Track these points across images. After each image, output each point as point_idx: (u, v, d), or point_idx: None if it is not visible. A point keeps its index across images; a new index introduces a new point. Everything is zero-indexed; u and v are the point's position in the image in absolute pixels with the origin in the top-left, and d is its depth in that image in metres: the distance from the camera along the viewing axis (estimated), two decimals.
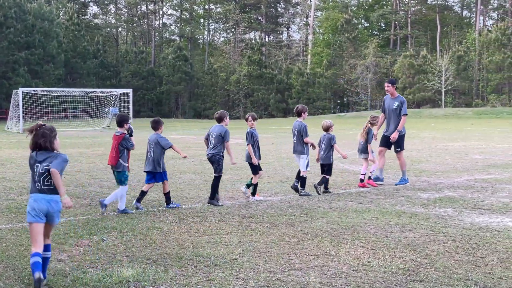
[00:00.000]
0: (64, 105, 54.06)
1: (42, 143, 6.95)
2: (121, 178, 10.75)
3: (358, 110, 79.68)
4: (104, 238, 8.58)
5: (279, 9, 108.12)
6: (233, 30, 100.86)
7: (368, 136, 14.26)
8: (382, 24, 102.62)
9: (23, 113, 43.59)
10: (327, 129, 13.43)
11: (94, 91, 54.75)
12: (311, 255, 7.64)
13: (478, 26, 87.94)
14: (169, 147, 11.28)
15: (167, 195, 11.30)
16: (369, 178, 14.28)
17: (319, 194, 12.82)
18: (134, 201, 11.18)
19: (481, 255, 7.63)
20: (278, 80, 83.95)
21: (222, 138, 11.79)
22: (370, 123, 14.39)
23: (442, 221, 9.78)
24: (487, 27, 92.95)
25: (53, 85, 66.84)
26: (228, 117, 12.31)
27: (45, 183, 6.71)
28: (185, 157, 11.77)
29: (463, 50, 78.88)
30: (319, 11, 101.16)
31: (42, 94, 51.23)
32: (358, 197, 12.34)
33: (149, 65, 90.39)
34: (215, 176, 11.78)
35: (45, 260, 6.64)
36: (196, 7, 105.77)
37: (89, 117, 53.44)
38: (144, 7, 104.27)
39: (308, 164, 13.07)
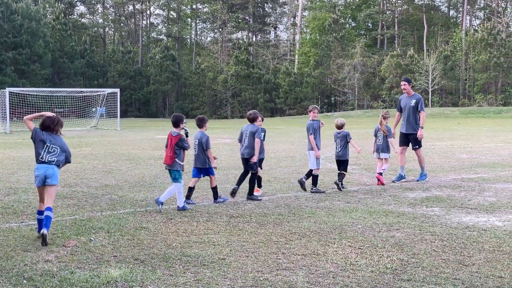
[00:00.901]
0: (51, 105, 53.76)
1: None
2: (175, 175, 11.11)
3: (346, 110, 79.90)
4: (91, 238, 8.55)
5: (267, 9, 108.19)
6: (220, 29, 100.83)
7: (387, 130, 14.62)
8: (369, 24, 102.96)
9: (9, 113, 43.35)
10: (340, 127, 13.83)
11: (81, 91, 54.60)
12: (298, 255, 7.65)
13: (464, 26, 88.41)
14: (207, 149, 11.68)
15: (214, 190, 11.78)
16: (380, 174, 14.46)
17: (341, 190, 13.21)
18: (184, 199, 11.35)
19: (468, 254, 7.67)
20: (266, 79, 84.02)
21: (253, 136, 12.24)
22: (384, 118, 14.69)
23: (429, 220, 9.81)
24: (473, 27, 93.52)
25: (40, 85, 66.60)
26: (259, 117, 12.75)
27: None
28: (215, 167, 11.99)
29: (449, 49, 79.31)
30: (306, 11, 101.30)
31: (29, 94, 51.01)
32: (345, 197, 12.37)
33: (136, 65, 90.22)
34: (251, 173, 12.23)
35: (47, 218, 8.34)
36: (183, 7, 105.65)
37: (76, 117, 53.23)
38: (131, 7, 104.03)
39: (319, 161, 13.33)
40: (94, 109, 52.27)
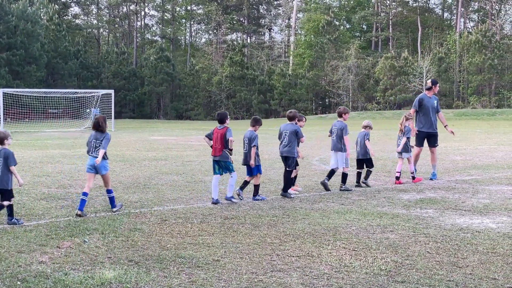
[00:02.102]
0: (45, 106, 53.74)
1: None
2: (228, 166, 11.96)
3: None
4: (85, 239, 8.54)
5: (261, 11, 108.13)
6: (215, 31, 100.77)
7: (406, 131, 14.95)
8: (364, 26, 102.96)
9: (3, 114, 43.24)
10: (365, 127, 14.63)
11: (76, 92, 54.45)
12: (293, 256, 7.66)
13: (458, 28, 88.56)
14: (254, 146, 12.29)
15: (256, 187, 12.37)
16: (413, 178, 15.03)
17: (369, 186, 13.99)
18: (237, 188, 12.33)
19: (462, 256, 7.69)
20: (260, 81, 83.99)
21: (297, 135, 12.71)
22: (406, 119, 15.06)
23: (423, 222, 9.83)
24: (467, 29, 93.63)
25: (34, 86, 66.42)
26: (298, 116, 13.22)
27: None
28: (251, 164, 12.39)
29: (444, 52, 79.43)
30: (301, 13, 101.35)
31: (23, 95, 50.87)
32: (340, 198, 12.38)
33: (130, 66, 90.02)
34: (286, 170, 12.72)
35: (110, 198, 10.87)
36: (178, 8, 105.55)
37: (71, 118, 53.13)
38: (125, 8, 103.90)
39: (348, 161, 13.86)
40: (88, 110, 52.14)
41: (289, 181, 12.77)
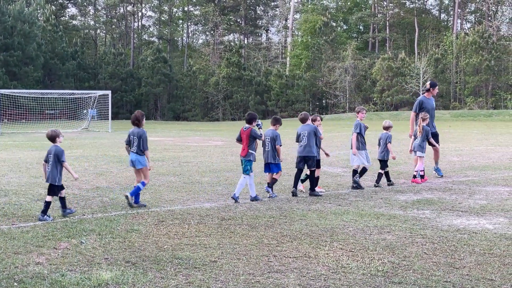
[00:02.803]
0: (42, 107, 53.66)
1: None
2: (246, 165, 12.26)
3: (337, 112, 79.96)
4: (82, 240, 8.53)
5: (258, 12, 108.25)
6: (212, 32, 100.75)
7: (424, 131, 15.49)
8: (361, 27, 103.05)
9: (0, 114, 43.20)
10: (386, 128, 14.86)
11: (73, 93, 54.39)
12: (290, 257, 7.66)
13: (455, 29, 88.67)
14: (280, 145, 12.88)
15: (272, 182, 12.91)
16: (414, 176, 15.28)
17: (393, 184, 14.44)
18: (266, 186, 12.90)
19: (459, 257, 7.69)
20: (257, 82, 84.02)
21: (315, 135, 13.19)
22: (423, 119, 15.54)
23: (420, 223, 9.84)
24: (464, 30, 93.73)
25: (31, 86, 66.36)
26: (310, 118, 13.70)
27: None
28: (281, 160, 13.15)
29: (440, 53, 79.48)
30: (298, 14, 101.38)
31: (20, 96, 50.82)
32: (337, 199, 12.39)
33: (128, 66, 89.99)
34: (311, 170, 13.10)
35: (137, 188, 11.42)
36: (175, 9, 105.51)
37: (68, 119, 53.08)
38: (122, 9, 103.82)
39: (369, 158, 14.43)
40: (85, 111, 52.12)
41: (313, 181, 13.13)
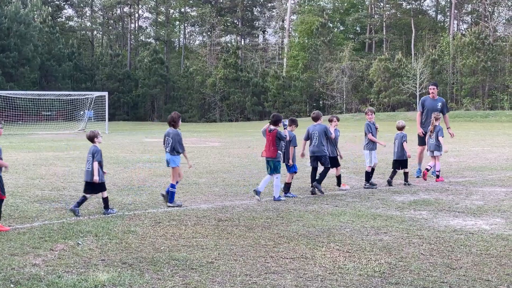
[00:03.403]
0: (39, 108, 53.59)
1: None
2: (277, 166, 12.58)
3: (334, 113, 79.96)
4: (79, 242, 8.52)
5: (255, 13, 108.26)
6: (209, 33, 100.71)
7: (437, 131, 15.97)
8: (358, 28, 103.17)
9: None
10: (401, 128, 15.10)
11: (69, 94, 54.33)
12: (287, 258, 7.66)
13: (452, 30, 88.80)
14: (291, 147, 13.16)
15: (288, 185, 13.14)
16: (426, 169, 15.80)
17: (409, 185, 14.70)
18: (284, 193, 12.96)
19: (455, 257, 7.70)
20: (254, 83, 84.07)
21: (325, 134, 13.55)
22: (436, 119, 16.02)
23: (417, 223, 9.85)
24: (461, 31, 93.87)
25: (27, 88, 66.31)
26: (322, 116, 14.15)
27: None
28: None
29: (437, 54, 79.61)
30: (294, 15, 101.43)
31: (16, 97, 50.76)
32: (334, 200, 12.39)
33: (124, 68, 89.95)
34: (324, 167, 13.51)
35: (170, 193, 11.65)
36: (172, 10, 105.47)
37: (64, 120, 53.01)
38: (119, 10, 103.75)
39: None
40: (82, 112, 52.06)
41: (323, 177, 13.47)
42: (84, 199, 10.79)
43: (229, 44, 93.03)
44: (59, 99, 54.14)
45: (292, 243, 8.52)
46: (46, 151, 25.08)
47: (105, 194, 10.89)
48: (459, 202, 12.03)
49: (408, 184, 14.72)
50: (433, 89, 16.98)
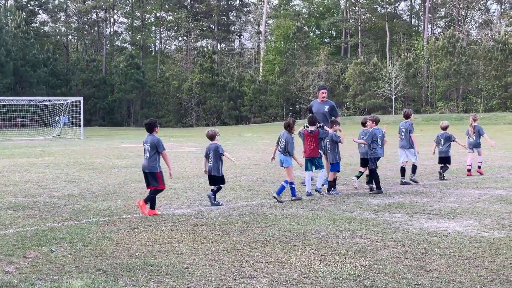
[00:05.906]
0: (13, 114, 53.13)
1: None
2: (321, 163, 13.84)
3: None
4: (53, 249, 8.45)
5: (231, 17, 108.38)
6: (185, 38, 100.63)
7: (477, 130, 17.77)
8: (333, 32, 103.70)
9: None
10: (445, 128, 16.91)
11: (44, 100, 53.92)
12: (262, 263, 7.66)
13: (426, 34, 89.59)
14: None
15: (331, 183, 14.02)
16: (479, 167, 17.69)
17: (443, 179, 16.26)
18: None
19: (429, 259, 7.76)
20: (230, 87, 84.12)
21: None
22: (474, 119, 17.90)
23: (392, 226, 9.91)
24: (435, 35, 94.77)
25: (1, 94, 65.70)
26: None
27: None
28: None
29: (412, 57, 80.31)
30: (271, 19, 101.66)
31: None
32: (309, 204, 12.43)
33: (100, 73, 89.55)
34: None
35: (291, 189, 12.91)
36: (147, 15, 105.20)
37: (39, 126, 52.58)
38: (94, 15, 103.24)
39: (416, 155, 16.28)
40: (57, 118, 51.71)
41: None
42: (218, 189, 12.48)
43: (205, 49, 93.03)
44: (34, 105, 53.73)
45: (267, 247, 8.52)
46: (20, 158, 24.85)
47: (222, 187, 12.61)
48: (433, 205, 12.12)
49: (443, 177, 16.35)
50: (323, 92, 16.47)
